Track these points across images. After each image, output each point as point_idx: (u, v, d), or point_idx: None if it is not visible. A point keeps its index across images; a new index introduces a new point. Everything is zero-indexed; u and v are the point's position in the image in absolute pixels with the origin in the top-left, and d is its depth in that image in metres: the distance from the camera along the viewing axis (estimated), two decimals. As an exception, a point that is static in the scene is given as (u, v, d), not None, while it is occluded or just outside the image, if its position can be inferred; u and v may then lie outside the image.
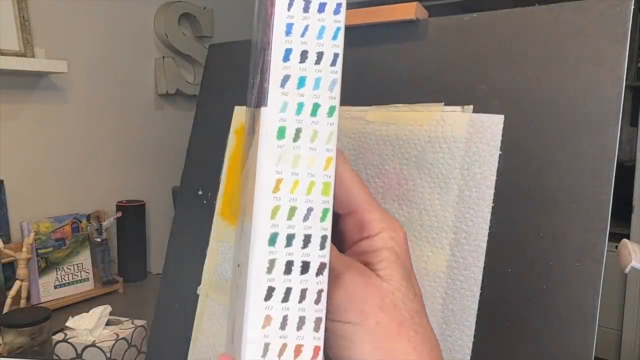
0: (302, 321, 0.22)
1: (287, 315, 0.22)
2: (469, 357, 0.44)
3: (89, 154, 1.53)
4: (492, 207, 0.44)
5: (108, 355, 0.84)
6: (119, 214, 1.51)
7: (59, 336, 0.86)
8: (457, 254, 0.45)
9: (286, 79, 0.22)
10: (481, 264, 0.44)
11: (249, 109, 0.36)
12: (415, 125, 0.49)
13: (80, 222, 1.40)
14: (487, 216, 0.44)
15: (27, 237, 1.22)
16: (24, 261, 1.18)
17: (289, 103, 0.22)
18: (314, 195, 0.23)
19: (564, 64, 0.43)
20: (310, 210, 0.23)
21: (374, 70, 0.54)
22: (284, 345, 0.22)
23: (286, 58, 0.22)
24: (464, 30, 0.49)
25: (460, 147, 0.46)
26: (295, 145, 0.22)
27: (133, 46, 1.64)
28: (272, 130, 0.22)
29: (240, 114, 0.67)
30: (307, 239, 0.22)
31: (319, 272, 0.23)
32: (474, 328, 0.44)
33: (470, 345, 0.44)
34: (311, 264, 0.23)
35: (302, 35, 0.22)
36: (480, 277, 0.44)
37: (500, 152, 0.45)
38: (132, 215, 1.54)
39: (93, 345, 0.85)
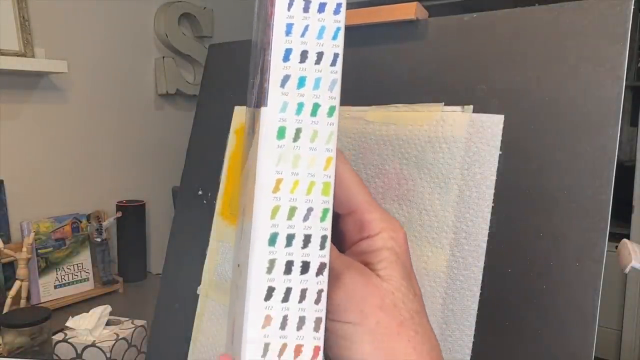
0: (302, 321, 0.22)
1: (287, 315, 0.22)
2: (469, 357, 0.44)
3: (89, 154, 1.53)
4: (492, 207, 0.44)
5: (108, 355, 0.84)
6: (119, 214, 1.51)
7: (59, 336, 0.86)
8: (457, 254, 0.45)
9: (286, 79, 0.22)
10: (481, 264, 0.44)
11: (249, 109, 0.36)
12: (415, 125, 0.49)
13: (80, 222, 1.40)
14: (487, 216, 0.44)
15: (27, 237, 1.22)
16: (24, 261, 1.18)
17: (289, 103, 0.22)
18: (314, 195, 0.23)
19: (564, 64, 0.43)
20: (310, 210, 0.23)
21: (374, 70, 0.54)
22: (284, 345, 0.22)
23: (286, 58, 0.22)
24: (464, 30, 0.49)
25: (460, 147, 0.46)
26: (295, 145, 0.22)
27: (133, 46, 1.64)
28: (272, 130, 0.22)
29: (240, 114, 0.67)
30: (307, 239, 0.22)
31: (319, 272, 0.23)
32: (474, 328, 0.44)
33: (470, 345, 0.44)
34: (311, 264, 0.23)
35: (302, 35, 0.22)
36: (480, 277, 0.44)
37: (500, 152, 0.45)
38: (132, 215, 1.54)
39: (93, 345, 0.85)
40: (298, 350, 0.22)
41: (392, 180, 0.50)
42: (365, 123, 0.53)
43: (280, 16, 0.22)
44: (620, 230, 1.83)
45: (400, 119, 0.51)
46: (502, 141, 0.45)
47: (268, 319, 0.22)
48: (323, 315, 0.23)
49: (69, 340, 0.85)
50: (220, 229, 0.65)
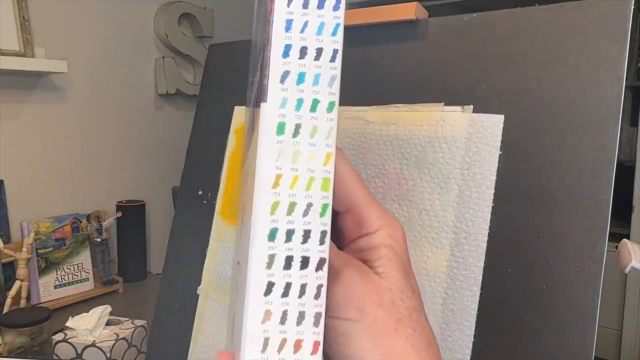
0: (301, 316, 0.22)
1: (286, 310, 0.22)
2: (469, 357, 0.44)
3: (89, 154, 1.53)
4: (492, 207, 0.44)
5: (108, 355, 0.84)
6: (119, 214, 1.51)
7: (59, 336, 0.86)
8: (457, 254, 0.45)
9: (286, 74, 0.22)
10: (481, 264, 0.44)
11: (248, 108, 0.36)
12: (415, 125, 0.49)
13: (80, 222, 1.40)
14: (487, 216, 0.44)
15: (27, 237, 1.22)
16: (24, 261, 1.18)
17: (288, 99, 0.22)
18: (313, 191, 0.23)
19: (564, 64, 0.43)
20: (309, 205, 0.23)
21: (374, 70, 0.54)
22: (284, 340, 0.22)
23: (286, 54, 0.22)
24: (464, 30, 0.49)
25: (460, 147, 0.46)
26: (294, 140, 0.22)
27: (133, 46, 1.64)
28: (272, 126, 0.22)
29: (240, 114, 0.67)
30: (306, 234, 0.22)
31: (319, 267, 0.23)
32: (474, 328, 0.44)
33: (470, 345, 0.44)
34: (311, 259, 0.23)
35: (302, 31, 0.22)
36: (480, 277, 0.44)
37: (500, 152, 0.45)
38: (132, 215, 1.54)
39: (93, 345, 0.85)
40: (298, 345, 0.22)
41: (392, 180, 0.50)
42: (365, 123, 0.53)
43: (279, 12, 0.22)
44: (620, 230, 1.83)
45: (400, 119, 0.51)
46: (502, 141, 0.45)
47: (268, 314, 0.22)
48: (323, 310, 0.23)
49: (69, 340, 0.85)
50: (220, 229, 0.65)
